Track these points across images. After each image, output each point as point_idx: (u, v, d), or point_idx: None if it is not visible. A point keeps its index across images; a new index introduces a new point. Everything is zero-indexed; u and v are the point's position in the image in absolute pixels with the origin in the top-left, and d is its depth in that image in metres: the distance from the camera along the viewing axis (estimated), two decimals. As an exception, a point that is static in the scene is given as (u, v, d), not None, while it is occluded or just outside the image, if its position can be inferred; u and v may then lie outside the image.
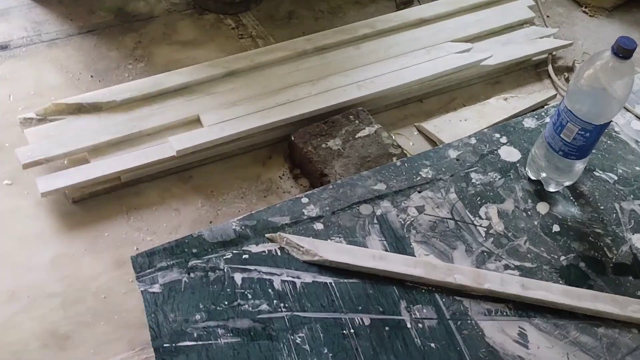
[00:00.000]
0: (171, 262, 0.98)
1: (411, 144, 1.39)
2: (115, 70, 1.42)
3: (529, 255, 1.08)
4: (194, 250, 1.00)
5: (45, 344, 1.00)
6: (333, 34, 1.45)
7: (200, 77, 1.30)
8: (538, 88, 1.55)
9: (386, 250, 1.02)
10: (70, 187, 1.12)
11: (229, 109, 1.25)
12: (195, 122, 1.24)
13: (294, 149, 1.27)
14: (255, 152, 1.31)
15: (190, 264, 0.98)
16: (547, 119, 1.29)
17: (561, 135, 1.07)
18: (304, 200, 1.09)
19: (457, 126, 1.40)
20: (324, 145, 1.24)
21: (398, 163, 1.19)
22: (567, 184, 1.16)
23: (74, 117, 1.19)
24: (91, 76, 1.41)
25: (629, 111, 1.26)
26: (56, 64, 1.42)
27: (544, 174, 1.16)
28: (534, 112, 1.31)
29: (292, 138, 1.27)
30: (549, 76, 1.58)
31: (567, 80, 1.58)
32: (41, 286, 1.09)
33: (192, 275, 0.96)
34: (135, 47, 1.48)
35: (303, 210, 1.08)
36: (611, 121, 1.09)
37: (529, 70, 1.59)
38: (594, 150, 1.14)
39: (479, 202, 1.14)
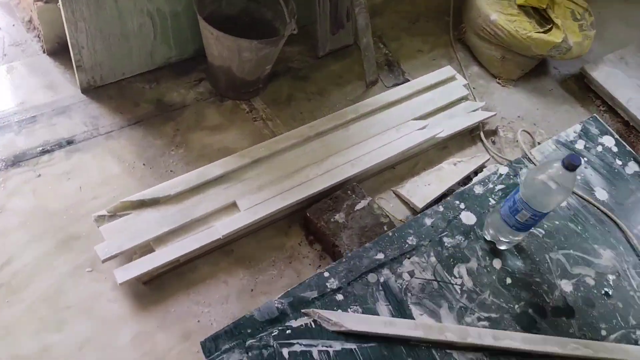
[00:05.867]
0: (232, 344, 1.00)
1: (391, 205, 1.44)
2: (161, 158, 1.45)
3: (492, 306, 1.15)
4: (249, 330, 1.03)
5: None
6: (328, 120, 1.50)
7: (233, 167, 1.32)
8: (475, 151, 1.66)
9: (391, 314, 1.08)
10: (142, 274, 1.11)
11: (257, 193, 1.30)
12: (233, 206, 1.26)
13: (309, 222, 1.32)
14: (277, 224, 1.36)
15: (247, 343, 1.01)
16: (490, 185, 1.34)
17: (516, 217, 1.14)
18: (326, 274, 1.13)
19: (424, 190, 1.45)
20: (332, 220, 1.29)
21: (390, 234, 1.24)
22: (513, 244, 1.24)
23: (138, 212, 1.20)
24: (143, 164, 1.40)
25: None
26: (114, 155, 1.46)
27: (497, 238, 1.22)
28: (481, 180, 1.38)
29: (308, 214, 1.30)
30: (481, 140, 1.66)
31: (493, 142, 1.67)
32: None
33: (250, 354, 0.98)
34: (175, 135, 1.50)
35: (326, 283, 1.12)
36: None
37: (465, 135, 1.68)
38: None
39: (452, 263, 1.20)
